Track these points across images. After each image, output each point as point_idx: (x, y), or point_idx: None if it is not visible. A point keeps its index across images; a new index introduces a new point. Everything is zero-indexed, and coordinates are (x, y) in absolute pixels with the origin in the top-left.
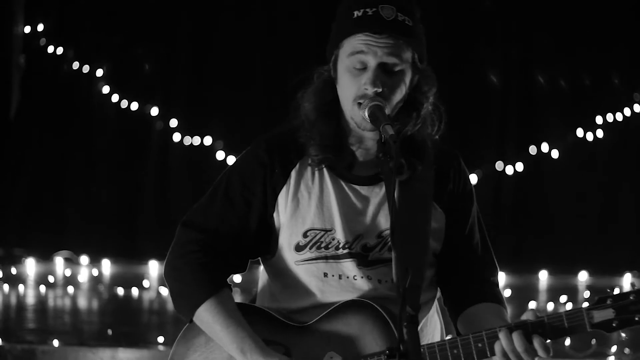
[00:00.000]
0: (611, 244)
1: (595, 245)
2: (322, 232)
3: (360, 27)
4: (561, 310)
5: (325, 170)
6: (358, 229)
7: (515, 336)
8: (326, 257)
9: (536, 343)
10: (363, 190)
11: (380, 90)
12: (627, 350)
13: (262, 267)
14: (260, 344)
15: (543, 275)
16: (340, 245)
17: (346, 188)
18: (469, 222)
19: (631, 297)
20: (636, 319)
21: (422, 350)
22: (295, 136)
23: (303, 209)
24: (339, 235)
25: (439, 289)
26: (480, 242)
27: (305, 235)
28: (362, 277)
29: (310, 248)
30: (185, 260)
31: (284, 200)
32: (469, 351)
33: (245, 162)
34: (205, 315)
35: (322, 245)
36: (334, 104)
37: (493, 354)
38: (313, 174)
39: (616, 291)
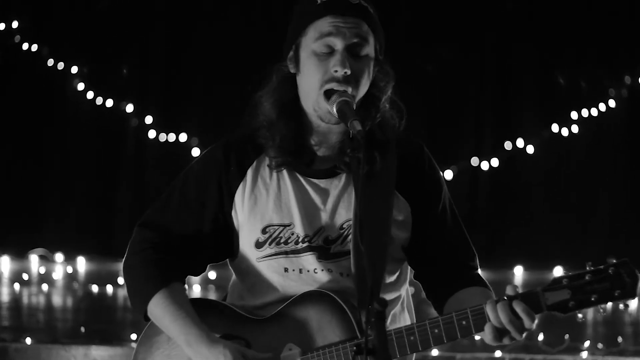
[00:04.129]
0: (587, 238)
1: (571, 240)
2: (281, 228)
3: (327, 10)
4: None
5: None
6: (318, 223)
7: (499, 307)
8: (286, 252)
9: (519, 310)
10: (322, 183)
11: (349, 72)
12: (600, 345)
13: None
14: (206, 335)
15: (518, 271)
16: (300, 240)
17: (304, 183)
18: (438, 209)
19: (587, 277)
20: (592, 299)
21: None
22: (255, 136)
23: (261, 206)
24: (298, 229)
25: (408, 285)
26: (455, 228)
27: (264, 231)
28: (322, 270)
29: (270, 244)
30: (138, 258)
31: (240, 198)
32: (425, 337)
33: (201, 162)
34: (155, 310)
35: (282, 240)
36: (294, 102)
37: (450, 339)
38: (271, 171)
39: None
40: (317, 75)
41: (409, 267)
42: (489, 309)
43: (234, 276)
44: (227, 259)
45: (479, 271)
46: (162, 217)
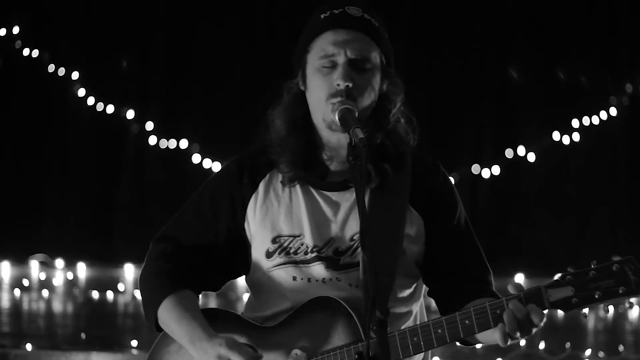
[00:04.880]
0: (588, 246)
1: (572, 248)
2: (291, 238)
3: (329, 25)
4: None
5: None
6: (328, 234)
7: (512, 306)
8: (295, 262)
9: (529, 308)
10: (334, 196)
11: (351, 85)
12: (601, 354)
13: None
14: (209, 333)
15: (519, 279)
16: (309, 250)
17: (316, 195)
18: (452, 225)
19: (591, 274)
20: (596, 296)
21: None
22: (267, 151)
23: (272, 216)
24: (308, 240)
25: (423, 300)
26: (469, 244)
27: (274, 241)
28: (331, 279)
29: (280, 254)
30: (150, 269)
31: (252, 209)
32: (428, 338)
33: (216, 177)
34: (163, 315)
35: (291, 250)
36: (305, 118)
37: (453, 338)
38: (284, 186)
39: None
40: (323, 89)
41: (424, 285)
42: (505, 312)
43: (249, 293)
44: (244, 275)
45: (494, 287)
46: (177, 230)
